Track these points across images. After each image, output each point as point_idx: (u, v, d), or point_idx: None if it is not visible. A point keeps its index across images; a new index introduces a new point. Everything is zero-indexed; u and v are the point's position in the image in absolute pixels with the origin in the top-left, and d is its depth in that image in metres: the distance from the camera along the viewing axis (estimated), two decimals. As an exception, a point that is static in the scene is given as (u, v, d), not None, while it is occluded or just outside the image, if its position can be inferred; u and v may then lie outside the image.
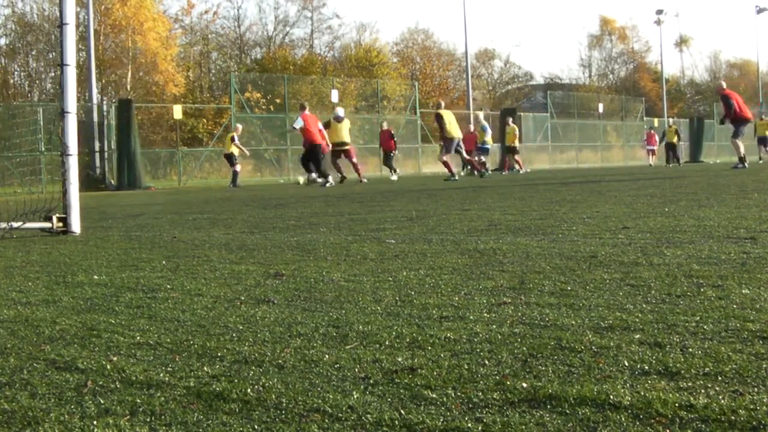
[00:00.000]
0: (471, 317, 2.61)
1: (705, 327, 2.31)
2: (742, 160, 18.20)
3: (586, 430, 1.55)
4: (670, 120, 35.17)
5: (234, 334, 2.51)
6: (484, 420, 1.62)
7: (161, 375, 2.06)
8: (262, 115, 31.59)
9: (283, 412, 1.73)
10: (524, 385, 1.83)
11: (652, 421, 1.57)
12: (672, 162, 31.24)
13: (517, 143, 28.67)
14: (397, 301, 2.97)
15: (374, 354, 2.18)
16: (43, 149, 23.20)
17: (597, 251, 4.07)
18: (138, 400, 1.85)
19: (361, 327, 2.54)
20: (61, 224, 6.89)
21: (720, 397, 1.69)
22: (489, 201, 9.17)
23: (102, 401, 1.86)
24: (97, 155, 25.85)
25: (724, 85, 19.21)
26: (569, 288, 3.06)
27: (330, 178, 18.71)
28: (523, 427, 1.58)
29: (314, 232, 6.04)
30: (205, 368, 2.11)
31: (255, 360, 2.18)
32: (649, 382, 1.82)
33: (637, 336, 2.24)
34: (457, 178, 19.12)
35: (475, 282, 3.30)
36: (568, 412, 1.65)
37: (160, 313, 2.94)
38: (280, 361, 2.15)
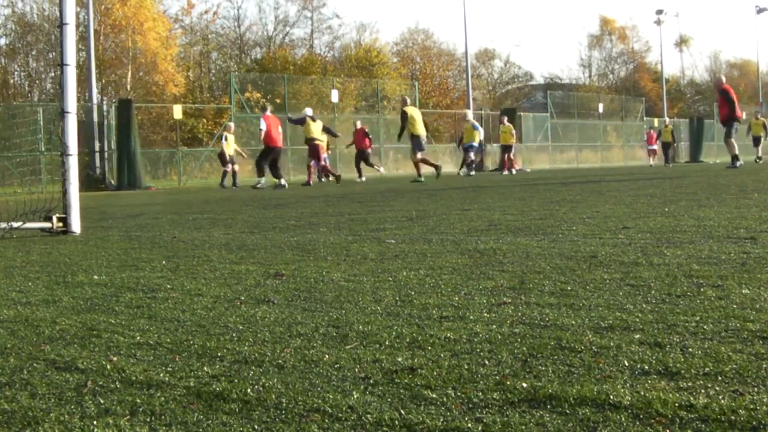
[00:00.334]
0: (471, 317, 2.61)
1: (705, 327, 2.31)
2: (735, 159, 18.18)
3: (586, 430, 1.55)
4: (666, 119, 35.15)
5: (234, 334, 2.51)
6: (484, 420, 1.62)
7: (161, 375, 2.06)
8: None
9: (283, 412, 1.73)
10: (524, 385, 1.83)
11: (652, 421, 1.57)
12: (669, 162, 31.22)
13: (513, 142, 28.52)
14: (397, 301, 2.97)
15: (374, 354, 2.19)
16: (43, 149, 23.20)
17: (597, 251, 4.07)
18: (138, 400, 1.85)
19: (361, 327, 2.54)
20: (61, 224, 6.89)
21: (720, 397, 1.69)
22: (489, 201, 9.17)
23: (102, 401, 1.86)
24: (97, 155, 25.84)
25: (724, 79, 19.15)
26: (569, 288, 3.06)
27: (263, 180, 18.36)
28: (523, 427, 1.58)
29: (314, 232, 6.04)
30: (205, 368, 2.11)
31: (255, 360, 2.18)
32: (649, 382, 1.82)
33: (637, 336, 2.24)
34: (422, 179, 18.55)
35: (475, 282, 3.30)
36: (568, 412, 1.65)
37: (160, 313, 2.94)
38: (280, 361, 2.15)
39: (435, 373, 1.96)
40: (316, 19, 53.99)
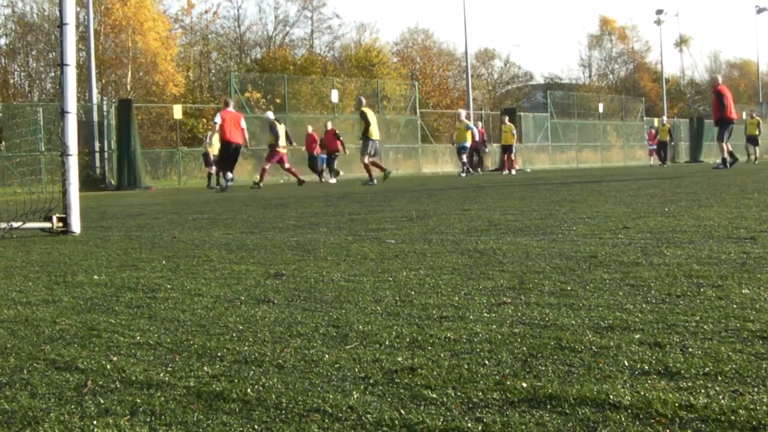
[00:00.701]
0: (471, 317, 2.61)
1: (705, 327, 2.31)
2: (725, 161, 18.18)
3: (586, 430, 1.55)
4: (663, 119, 35.10)
5: (234, 334, 2.51)
6: (484, 420, 1.62)
7: (161, 375, 2.06)
8: (262, 115, 31.56)
9: (283, 412, 1.73)
10: (524, 385, 1.83)
11: (652, 421, 1.57)
12: (665, 162, 31.16)
13: (514, 142, 28.46)
14: (397, 301, 2.97)
15: (374, 354, 2.19)
16: (43, 149, 23.19)
17: (597, 251, 4.07)
18: (138, 400, 1.85)
19: (361, 327, 2.54)
20: (61, 224, 6.89)
21: (720, 397, 1.69)
22: (489, 201, 9.17)
23: (102, 401, 1.86)
24: (97, 155, 25.84)
25: (720, 80, 19.13)
26: (569, 288, 3.06)
27: (230, 176, 17.78)
28: (523, 427, 1.58)
29: (314, 232, 6.04)
30: (205, 368, 2.11)
31: (255, 360, 2.18)
32: (649, 382, 1.82)
33: (637, 336, 2.24)
34: (375, 182, 18.16)
35: (475, 282, 3.30)
36: (568, 412, 1.65)
37: (160, 313, 2.94)
38: (280, 361, 2.15)
39: (435, 373, 1.96)
40: (316, 19, 54.02)
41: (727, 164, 18.14)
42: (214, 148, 22.52)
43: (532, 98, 61.74)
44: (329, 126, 24.11)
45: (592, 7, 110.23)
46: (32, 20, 42.27)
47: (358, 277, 3.58)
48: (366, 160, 18.38)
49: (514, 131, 28.80)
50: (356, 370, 2.04)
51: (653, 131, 35.53)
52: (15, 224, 6.68)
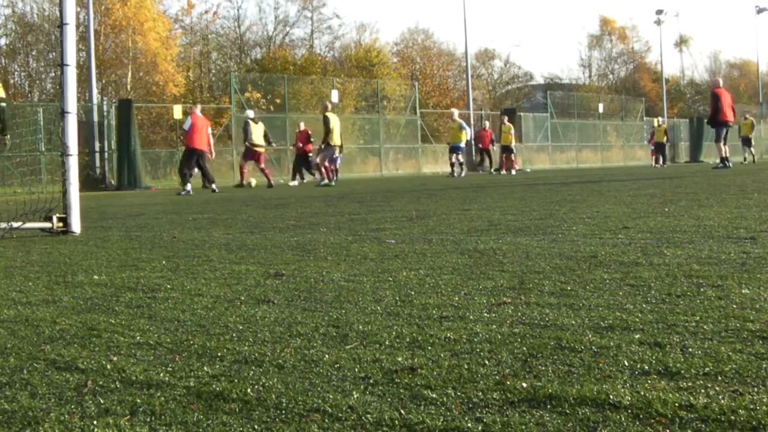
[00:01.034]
0: (471, 317, 2.61)
1: (705, 327, 2.31)
2: (723, 160, 18.22)
3: (586, 430, 1.55)
4: (660, 119, 35.04)
5: (234, 334, 2.51)
6: (484, 420, 1.62)
7: (161, 375, 2.06)
8: (262, 115, 31.57)
9: (283, 412, 1.73)
10: (524, 385, 1.83)
11: (652, 421, 1.57)
12: (661, 162, 31.09)
13: (513, 143, 28.42)
14: (397, 301, 2.97)
15: (374, 354, 2.19)
16: (43, 149, 23.17)
17: (597, 251, 4.07)
18: (138, 400, 1.85)
19: (361, 327, 2.54)
20: (61, 224, 6.89)
21: (720, 397, 1.69)
22: (489, 201, 9.17)
23: (102, 401, 1.86)
24: (97, 155, 25.82)
25: (721, 83, 19.16)
26: (569, 288, 3.06)
27: (189, 187, 17.23)
28: (523, 427, 1.58)
29: (314, 232, 6.04)
30: (205, 368, 2.11)
31: (255, 360, 2.18)
32: (649, 382, 1.82)
33: (637, 336, 2.24)
34: (333, 184, 18.17)
35: (475, 282, 3.30)
36: (568, 412, 1.65)
37: (160, 313, 2.94)
38: (280, 361, 2.15)
39: (435, 373, 1.96)
40: (316, 19, 53.98)
41: (726, 164, 18.17)
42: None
43: (532, 98, 61.72)
44: (302, 126, 23.29)
45: (592, 7, 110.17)
46: (32, 20, 42.26)
47: (358, 277, 3.58)
48: (320, 160, 18.59)
49: (513, 131, 28.78)
50: (356, 370, 2.04)
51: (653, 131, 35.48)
52: (15, 224, 6.68)
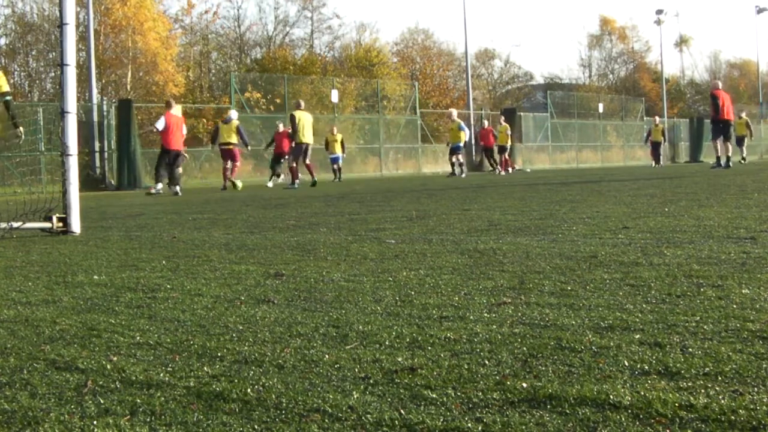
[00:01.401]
0: (471, 317, 2.61)
1: (705, 327, 2.31)
2: (719, 160, 18.25)
3: (586, 430, 1.55)
4: (656, 119, 34.97)
5: (234, 334, 2.51)
6: (484, 420, 1.62)
7: (161, 375, 2.06)
8: (262, 115, 31.58)
9: (283, 412, 1.73)
10: (524, 385, 1.83)
11: (652, 421, 1.57)
12: (658, 162, 31.03)
13: (508, 143, 28.38)
14: (397, 301, 2.97)
15: (374, 354, 2.19)
16: (43, 149, 23.17)
17: (597, 251, 4.07)
18: (138, 400, 1.85)
19: (361, 327, 2.54)
20: (61, 224, 6.88)
21: (720, 397, 1.69)
22: (489, 201, 9.17)
23: (102, 401, 1.86)
24: (97, 155, 25.82)
25: (720, 85, 19.22)
26: (569, 288, 3.06)
27: (159, 186, 16.95)
28: (523, 427, 1.58)
29: (314, 232, 6.04)
30: (205, 368, 2.11)
31: (255, 360, 2.18)
32: (649, 382, 1.82)
33: (637, 336, 2.24)
34: (297, 186, 17.96)
35: (475, 282, 3.30)
36: (568, 412, 1.65)
37: (160, 313, 2.94)
38: (280, 361, 2.15)
39: (435, 373, 1.96)
40: (316, 19, 53.96)
41: (721, 163, 18.19)
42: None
43: (532, 98, 61.71)
44: (280, 128, 22.09)
45: (592, 7, 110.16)
46: (32, 20, 42.26)
47: (358, 277, 3.58)
48: (292, 163, 18.48)
49: (509, 131, 28.79)
50: (356, 370, 2.04)
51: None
52: (15, 224, 6.68)
